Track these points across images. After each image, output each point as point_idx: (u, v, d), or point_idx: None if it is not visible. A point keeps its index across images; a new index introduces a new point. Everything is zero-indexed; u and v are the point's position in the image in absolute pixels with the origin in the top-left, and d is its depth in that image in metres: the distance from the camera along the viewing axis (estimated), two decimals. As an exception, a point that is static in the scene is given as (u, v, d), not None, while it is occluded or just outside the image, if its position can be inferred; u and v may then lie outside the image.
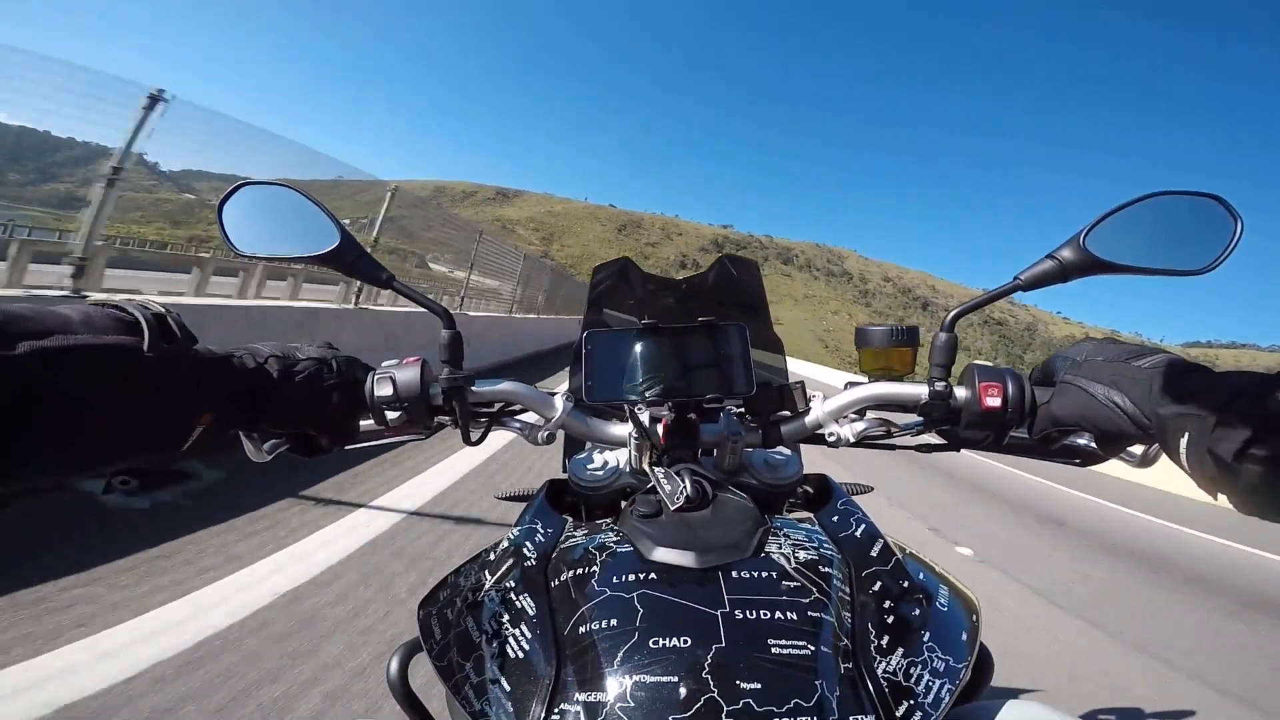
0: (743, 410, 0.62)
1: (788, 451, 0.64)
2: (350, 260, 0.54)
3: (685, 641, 0.36)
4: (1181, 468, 0.39)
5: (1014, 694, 0.38)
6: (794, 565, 0.43)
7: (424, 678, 0.46)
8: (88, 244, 3.11)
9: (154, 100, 3.29)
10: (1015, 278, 0.52)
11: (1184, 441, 0.38)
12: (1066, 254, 0.51)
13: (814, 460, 0.60)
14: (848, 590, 0.43)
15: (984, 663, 0.48)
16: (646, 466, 0.55)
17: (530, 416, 0.63)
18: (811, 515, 0.54)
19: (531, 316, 11.54)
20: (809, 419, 0.60)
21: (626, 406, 0.58)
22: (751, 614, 0.38)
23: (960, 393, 0.53)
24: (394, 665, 0.49)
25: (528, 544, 0.49)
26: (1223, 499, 0.38)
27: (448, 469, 3.27)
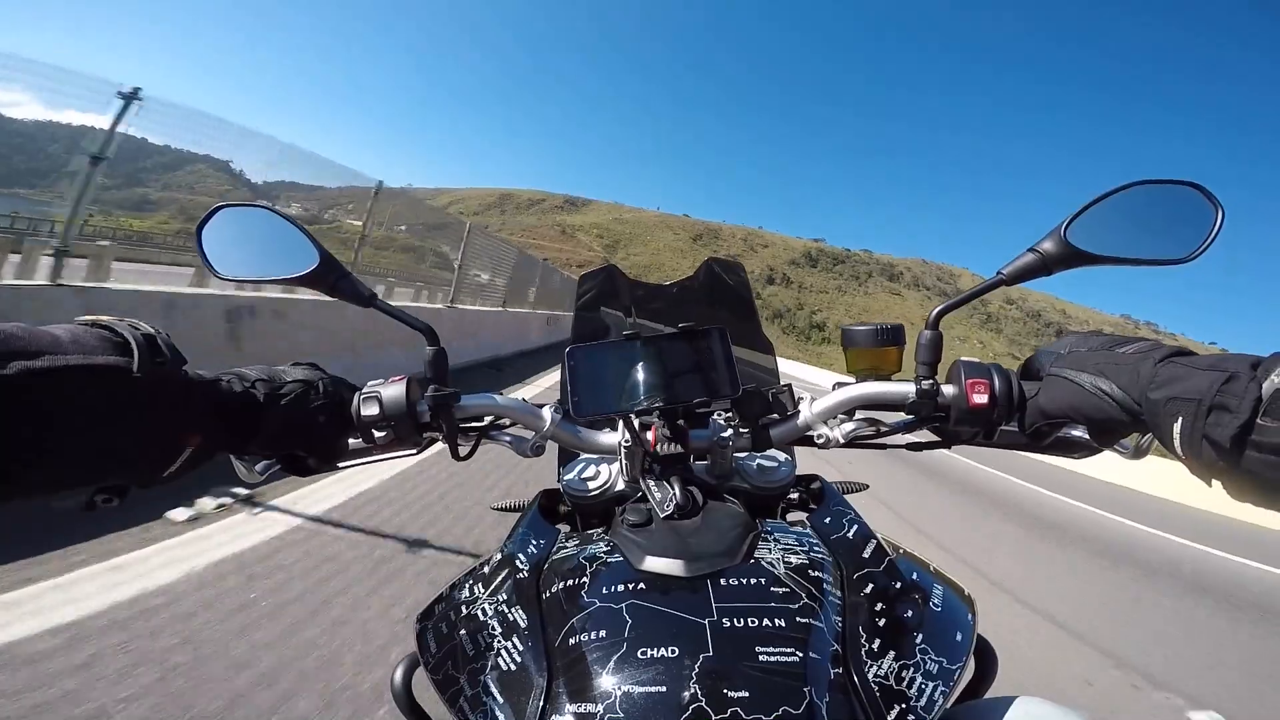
0: (731, 415, 0.67)
1: (782, 455, 0.70)
2: (332, 280, 0.59)
3: (673, 651, 0.41)
4: (1175, 455, 0.42)
5: (1019, 692, 0.51)
6: (784, 570, 0.47)
7: (429, 689, 0.50)
8: (65, 238, 3.54)
9: (129, 98, 3.81)
10: (998, 273, 0.58)
11: (1177, 427, 0.41)
12: (1048, 246, 0.55)
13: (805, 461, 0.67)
14: (839, 593, 0.47)
15: (987, 660, 0.52)
16: (637, 475, 0.62)
17: (519, 429, 0.69)
18: (805, 518, 0.60)
19: (524, 311, 12.50)
20: (798, 421, 0.66)
21: (615, 416, 0.65)
22: (740, 622, 0.42)
23: (948, 390, 0.58)
24: (398, 677, 0.53)
25: (520, 556, 0.54)
26: (1217, 486, 0.41)
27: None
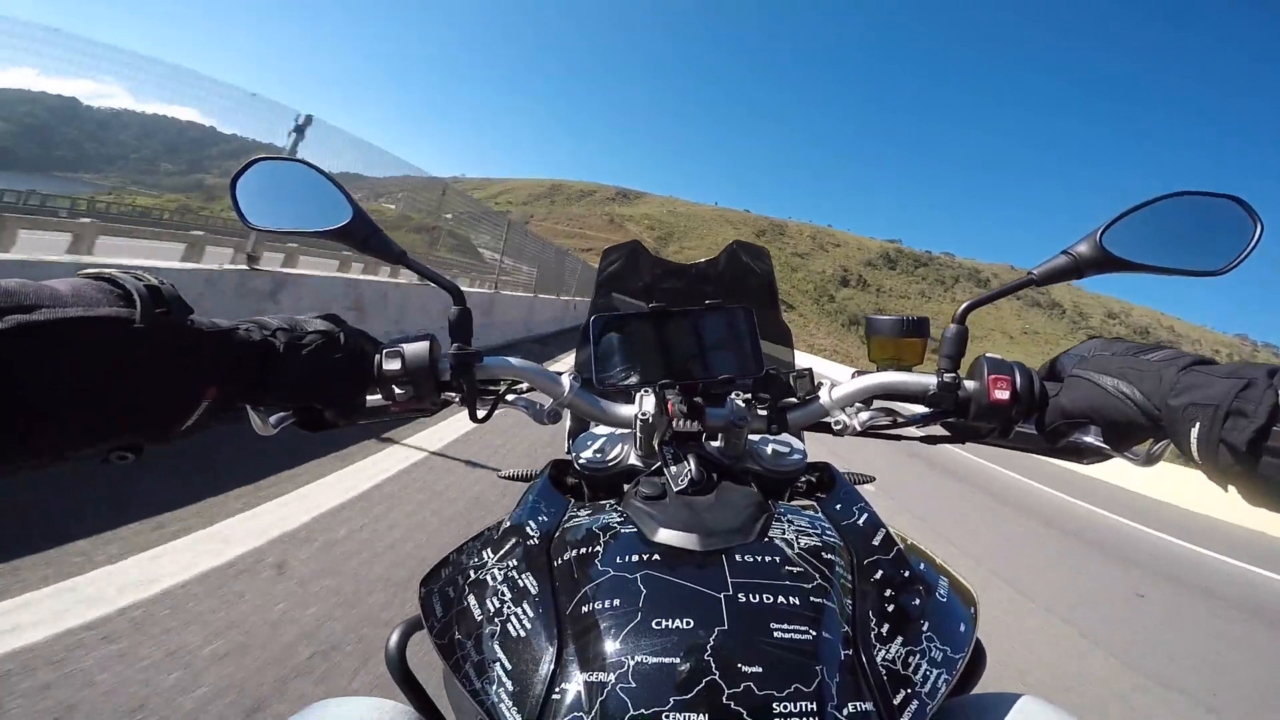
0: (750, 396, 0.73)
1: (793, 440, 0.77)
2: (363, 236, 0.65)
3: (688, 623, 0.44)
4: (1192, 459, 0.46)
5: (1007, 688, 0.53)
6: (797, 551, 0.52)
7: (422, 655, 0.54)
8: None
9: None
10: (1030, 273, 0.64)
11: (1194, 432, 0.45)
12: (1083, 250, 0.61)
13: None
14: (850, 578, 0.52)
15: (977, 656, 0.57)
16: (653, 448, 0.68)
17: (536, 395, 0.76)
18: (814, 503, 0.66)
19: (550, 297, 14.45)
20: (816, 407, 0.72)
21: (634, 388, 0.71)
22: (754, 598, 0.46)
23: (969, 385, 0.63)
24: (393, 642, 0.58)
25: (531, 523, 0.59)
26: (1233, 491, 0.45)
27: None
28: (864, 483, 0.88)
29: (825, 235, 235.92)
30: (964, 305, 0.65)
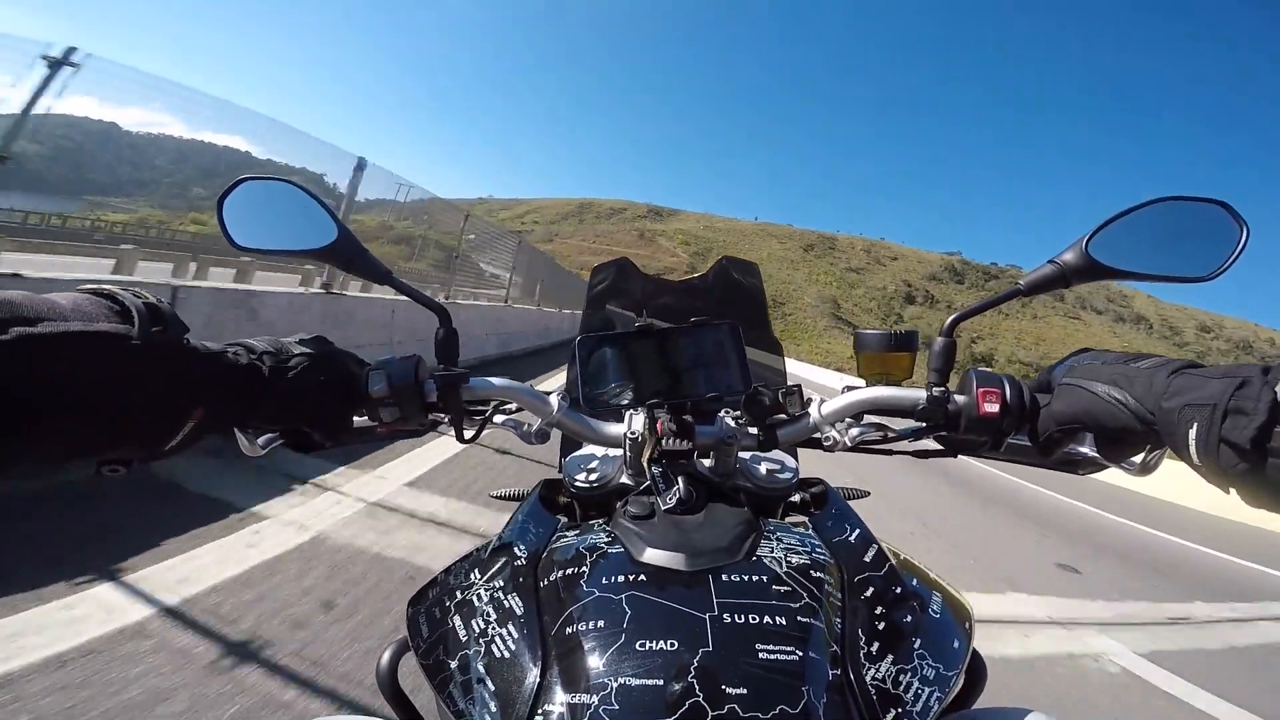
0: (739, 413, 0.77)
1: (784, 456, 0.81)
2: (348, 256, 0.69)
3: (672, 645, 0.46)
4: (1190, 462, 0.48)
5: (1008, 704, 0.54)
6: (785, 570, 0.54)
7: (415, 675, 0.56)
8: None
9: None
10: (1017, 283, 0.67)
11: (1193, 433, 0.47)
12: (1069, 258, 0.64)
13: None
14: (840, 596, 0.54)
15: (977, 671, 0.59)
16: (642, 467, 0.71)
17: (525, 415, 0.79)
18: (806, 520, 0.69)
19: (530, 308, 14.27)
20: (806, 423, 0.75)
21: (622, 408, 0.76)
22: (740, 618, 0.48)
23: (959, 398, 0.66)
24: (384, 662, 0.61)
25: (519, 543, 0.62)
26: (1234, 494, 0.46)
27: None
28: (858, 497, 0.92)
29: (880, 248, 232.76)
30: (950, 318, 0.69)
